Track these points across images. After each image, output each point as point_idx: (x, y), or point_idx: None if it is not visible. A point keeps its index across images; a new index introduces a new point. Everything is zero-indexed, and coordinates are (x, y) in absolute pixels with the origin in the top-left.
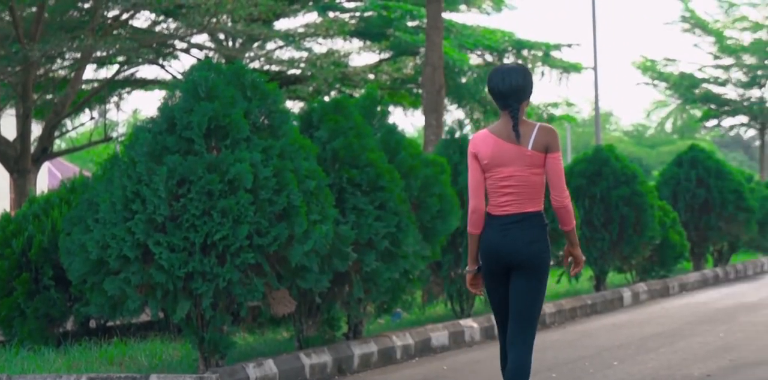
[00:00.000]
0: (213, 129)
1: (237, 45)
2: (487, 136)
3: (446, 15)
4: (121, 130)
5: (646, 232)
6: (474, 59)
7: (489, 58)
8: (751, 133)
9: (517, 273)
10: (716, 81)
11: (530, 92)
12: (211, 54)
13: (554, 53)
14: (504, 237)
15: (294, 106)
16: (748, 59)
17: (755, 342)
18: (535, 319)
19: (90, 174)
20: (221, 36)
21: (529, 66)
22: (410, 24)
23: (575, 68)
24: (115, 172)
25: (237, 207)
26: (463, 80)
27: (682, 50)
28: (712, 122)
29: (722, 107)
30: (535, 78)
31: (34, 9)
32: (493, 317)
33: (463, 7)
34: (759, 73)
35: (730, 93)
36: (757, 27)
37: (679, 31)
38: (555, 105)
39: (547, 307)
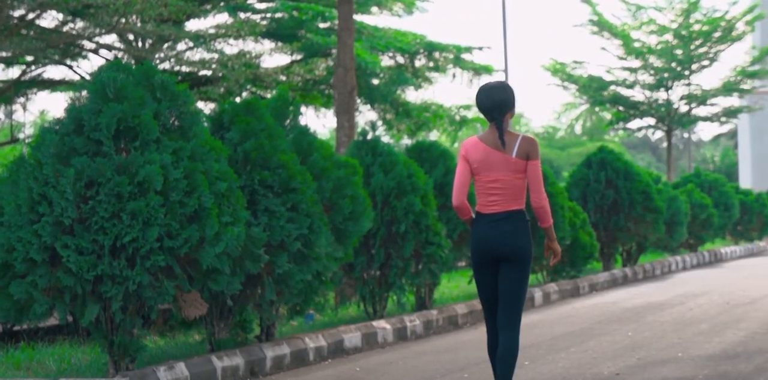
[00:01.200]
0: (122, 130)
1: (146, 46)
2: (477, 143)
3: (358, 17)
4: (28, 131)
5: (557, 233)
6: (386, 61)
7: (401, 59)
8: (659, 134)
9: (505, 264)
10: (624, 83)
11: (512, 105)
12: (120, 55)
13: (465, 56)
14: (493, 231)
15: (205, 108)
16: (655, 62)
17: (662, 340)
18: (521, 304)
19: None
20: (130, 36)
21: (441, 68)
22: (322, 25)
23: (486, 70)
24: (21, 174)
25: (147, 209)
26: (375, 82)
27: (591, 53)
28: (621, 124)
29: (630, 109)
30: (446, 80)
31: None
32: (404, 318)
33: (374, 9)
34: (665, 75)
35: (638, 95)
36: (663, 30)
37: (588, 34)
38: (467, 107)
39: (460, 308)
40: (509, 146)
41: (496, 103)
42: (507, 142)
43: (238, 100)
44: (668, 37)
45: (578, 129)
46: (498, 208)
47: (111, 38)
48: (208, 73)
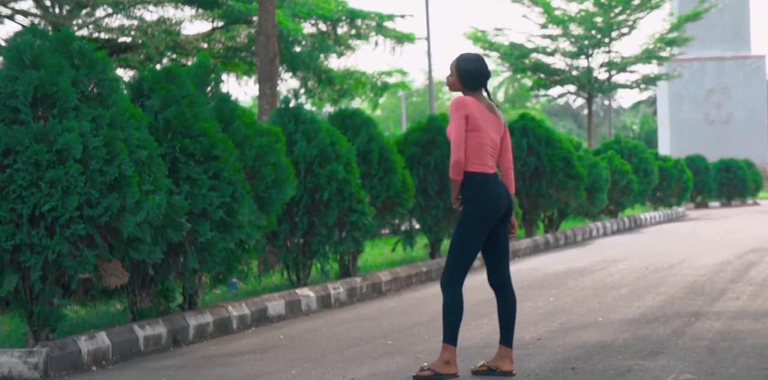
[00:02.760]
0: (39, 97)
1: (64, 12)
2: (475, 102)
3: None
4: None
5: None
6: (308, 28)
7: (323, 27)
8: (580, 102)
9: (503, 220)
10: (545, 51)
11: None
12: (36, 21)
13: (388, 23)
14: (504, 192)
15: (124, 75)
16: (575, 29)
17: (582, 305)
18: None
19: None
20: (47, 2)
21: (363, 35)
22: None
23: (408, 38)
24: None
25: (66, 177)
26: (298, 49)
27: (512, 21)
28: (542, 91)
29: (551, 76)
30: (368, 48)
31: None
32: (328, 286)
33: None
34: (585, 42)
35: (559, 63)
36: None
37: (509, 2)
38: (389, 73)
39: (383, 275)
40: (498, 113)
41: (489, 73)
42: (495, 108)
43: (158, 67)
44: (588, 5)
45: (500, 96)
46: (494, 170)
47: (27, 4)
48: (128, 39)
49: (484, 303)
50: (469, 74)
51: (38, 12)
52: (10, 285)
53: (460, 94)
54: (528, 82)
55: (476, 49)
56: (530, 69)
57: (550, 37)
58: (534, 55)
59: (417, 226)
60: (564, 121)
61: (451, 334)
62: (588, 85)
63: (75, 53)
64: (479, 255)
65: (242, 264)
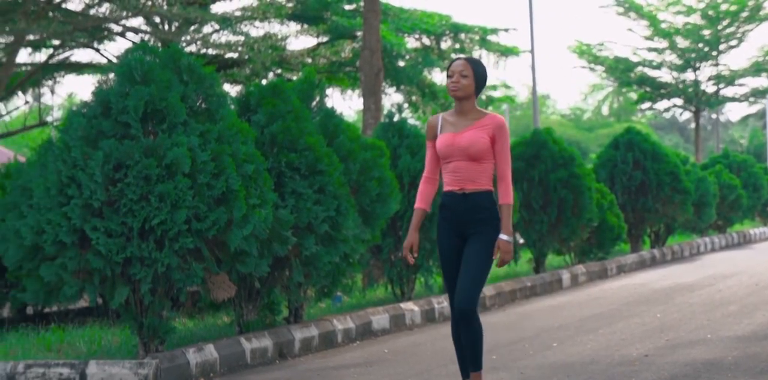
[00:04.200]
0: (149, 113)
1: (173, 28)
2: None
3: None
4: (56, 114)
5: (584, 215)
6: (411, 43)
7: (426, 41)
8: (687, 115)
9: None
10: (651, 64)
11: None
12: (146, 37)
13: (491, 37)
14: None
15: (231, 90)
16: (682, 42)
17: (691, 322)
18: None
19: (24, 159)
20: (157, 19)
21: (467, 49)
22: (347, 7)
23: (512, 52)
24: (50, 157)
25: (175, 191)
26: (401, 63)
27: (618, 34)
28: (648, 105)
29: (657, 90)
30: None
31: None
32: (444, 297)
33: None
34: (692, 56)
35: (665, 76)
36: (690, 10)
37: (614, 15)
38: (493, 87)
39: (487, 290)
40: None
41: None
42: None
43: (264, 82)
44: (695, 17)
45: (605, 110)
46: None
47: (138, 21)
48: (235, 55)
49: (588, 319)
50: (485, 81)
51: (148, 29)
52: (121, 298)
53: (472, 99)
54: (634, 95)
55: (581, 63)
56: (635, 82)
57: (656, 50)
58: (639, 68)
59: (521, 241)
60: (670, 134)
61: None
62: (695, 99)
63: (184, 69)
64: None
65: (347, 278)
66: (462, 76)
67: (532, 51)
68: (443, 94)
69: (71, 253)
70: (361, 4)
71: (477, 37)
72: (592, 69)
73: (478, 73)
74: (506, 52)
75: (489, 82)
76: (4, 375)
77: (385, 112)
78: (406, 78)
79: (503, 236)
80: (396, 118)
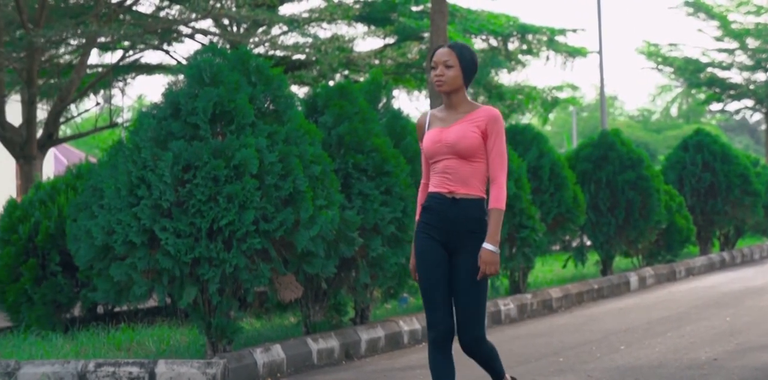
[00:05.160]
0: (218, 114)
1: (241, 30)
2: None
3: (450, 0)
4: (126, 115)
5: (653, 217)
6: (479, 44)
7: (494, 42)
8: (757, 116)
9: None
10: (720, 65)
11: None
12: (215, 39)
13: (559, 38)
14: None
15: (299, 91)
16: (753, 43)
17: (761, 326)
18: None
19: (95, 160)
20: (225, 21)
21: (534, 50)
22: (414, 9)
23: (580, 53)
24: (120, 158)
25: (243, 192)
26: None
27: (687, 34)
28: (718, 106)
29: (727, 91)
30: (539, 62)
31: None
32: (511, 299)
33: None
34: (763, 56)
35: (735, 77)
36: (761, 10)
37: (684, 15)
38: (559, 88)
39: (554, 292)
40: None
41: None
42: None
43: (331, 83)
44: (766, 17)
45: (674, 111)
46: None
47: (206, 23)
48: (302, 57)
49: (656, 322)
50: (476, 69)
51: (217, 31)
52: (190, 298)
53: (461, 91)
54: (703, 97)
55: (649, 64)
56: (705, 84)
57: (726, 50)
58: (709, 69)
59: (588, 243)
60: (740, 136)
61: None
62: (766, 100)
63: (252, 71)
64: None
65: (413, 279)
66: (446, 67)
67: (600, 52)
68: (510, 94)
69: (141, 253)
70: (429, 5)
71: (544, 38)
72: (660, 70)
73: (465, 60)
74: (574, 52)
75: (556, 83)
76: (75, 374)
77: None
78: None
79: (488, 245)
80: None
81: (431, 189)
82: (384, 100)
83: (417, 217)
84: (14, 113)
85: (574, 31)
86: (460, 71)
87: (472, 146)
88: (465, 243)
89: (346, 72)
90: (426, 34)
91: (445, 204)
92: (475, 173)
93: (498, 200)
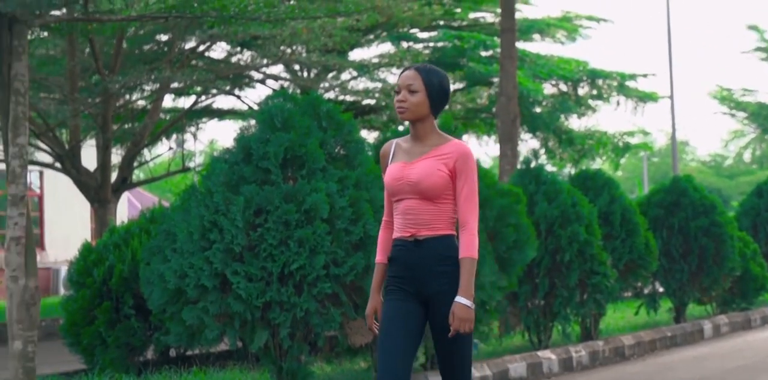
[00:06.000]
0: (289, 159)
1: (312, 75)
2: None
3: (520, 44)
4: (198, 160)
5: (726, 264)
6: (548, 89)
7: (563, 87)
8: None
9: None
10: None
11: None
12: (286, 84)
13: (629, 83)
14: None
15: (369, 136)
16: None
17: None
18: None
19: (168, 204)
20: (296, 66)
21: (604, 95)
22: (484, 54)
23: (651, 98)
24: (193, 202)
25: (314, 237)
26: (538, 110)
27: (760, 79)
28: None
29: None
30: (610, 107)
31: (113, 42)
32: (583, 346)
33: (537, 36)
34: None
35: None
36: None
37: (757, 60)
38: (631, 133)
39: (626, 339)
40: None
41: None
42: None
43: (401, 128)
44: None
45: (747, 157)
46: None
47: (277, 68)
48: (372, 101)
49: (732, 371)
50: (446, 96)
51: (288, 76)
52: (261, 342)
53: (428, 121)
54: None
55: (722, 109)
56: None
57: None
58: None
59: (661, 289)
60: None
61: None
62: None
63: (323, 116)
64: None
65: (483, 325)
66: (410, 92)
67: (671, 96)
68: (580, 139)
69: (212, 297)
70: (498, 50)
71: (615, 83)
72: (733, 115)
73: (432, 85)
74: (645, 97)
75: (626, 128)
76: None
77: (521, 158)
78: (543, 124)
79: (461, 299)
80: (532, 165)
81: (395, 234)
82: None
83: (377, 258)
84: (89, 158)
85: (645, 75)
86: (425, 97)
87: (437, 186)
88: (441, 290)
89: None
90: (495, 79)
91: (409, 249)
92: (440, 215)
93: (469, 248)
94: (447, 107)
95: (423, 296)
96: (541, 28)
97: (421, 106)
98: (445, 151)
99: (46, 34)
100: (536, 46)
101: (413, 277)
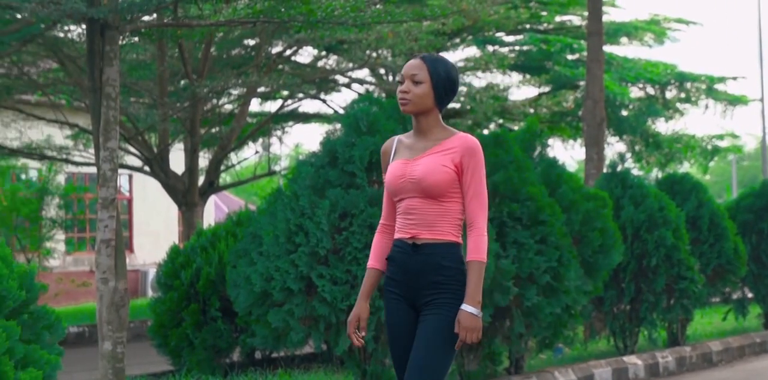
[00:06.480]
0: (374, 162)
1: (397, 79)
2: None
3: (607, 48)
4: (284, 163)
5: None
6: (635, 92)
7: (651, 91)
8: None
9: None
10: None
11: None
12: (371, 88)
13: (718, 86)
14: None
15: None
16: None
17: None
18: None
19: (254, 207)
20: (381, 71)
21: (693, 99)
22: (570, 57)
23: (740, 101)
24: (279, 206)
25: None
26: (624, 113)
27: None
28: None
29: None
30: (698, 111)
31: (202, 46)
32: (669, 351)
33: (624, 39)
34: None
35: None
36: None
37: None
38: (720, 137)
39: (714, 345)
40: None
41: None
42: None
43: (486, 132)
44: None
45: None
46: None
47: (363, 73)
48: (457, 105)
49: None
50: (453, 87)
51: (373, 80)
52: (346, 345)
53: (433, 114)
54: None
55: None
56: None
57: None
58: None
59: (750, 295)
60: None
61: None
62: None
63: (408, 119)
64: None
65: (568, 330)
66: (414, 83)
67: (761, 99)
68: (667, 143)
69: (298, 300)
70: (584, 54)
71: (703, 86)
72: None
73: (438, 76)
74: (734, 101)
75: (715, 132)
76: None
77: (607, 162)
78: (630, 128)
79: (467, 307)
80: (619, 169)
81: (396, 234)
82: (539, 149)
83: (369, 263)
84: (177, 161)
85: (735, 78)
86: (430, 89)
87: (441, 183)
88: (433, 300)
89: (501, 120)
90: (582, 83)
91: (406, 252)
92: (444, 215)
93: (477, 250)
94: (532, 110)
95: (416, 303)
96: (629, 31)
97: (425, 98)
98: (451, 145)
99: (136, 39)
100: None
101: (407, 284)
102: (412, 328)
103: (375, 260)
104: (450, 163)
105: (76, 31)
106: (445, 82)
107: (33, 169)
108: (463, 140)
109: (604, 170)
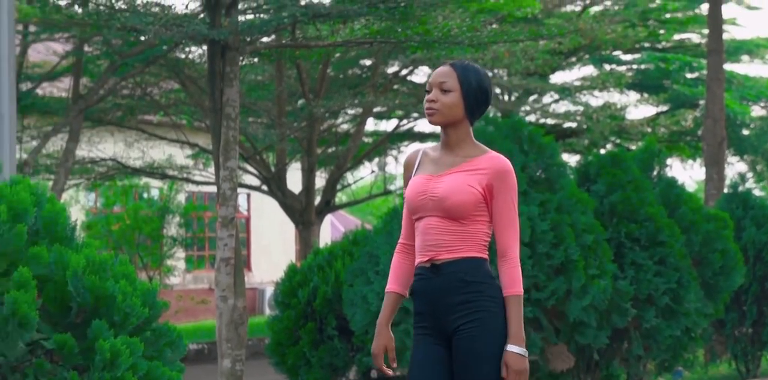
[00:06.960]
0: None
1: (513, 98)
2: None
3: (727, 66)
4: (399, 183)
5: None
6: (756, 111)
7: None
8: None
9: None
10: None
11: None
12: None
13: None
14: None
15: (570, 160)
16: None
17: None
18: None
19: (370, 226)
20: (498, 90)
21: None
22: (689, 76)
23: None
24: (395, 225)
25: None
26: (745, 132)
27: None
28: None
29: None
30: None
31: (319, 67)
32: None
33: (745, 57)
34: None
35: None
36: None
37: None
38: None
39: None
40: None
41: None
42: None
43: (603, 151)
44: None
45: None
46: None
47: None
48: (573, 124)
49: None
50: (486, 97)
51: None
52: None
53: (463, 127)
54: None
55: None
56: None
57: None
58: None
59: None
60: None
61: None
62: None
63: (524, 139)
64: None
65: (688, 352)
66: (443, 92)
67: None
68: None
69: (413, 320)
70: (704, 72)
71: None
72: None
73: (469, 84)
74: None
75: None
76: None
77: (728, 182)
78: (751, 147)
79: (512, 347)
80: (740, 189)
81: (416, 260)
82: (657, 169)
83: (387, 286)
84: (294, 181)
85: None
86: (460, 98)
87: (465, 205)
88: (459, 325)
89: (618, 140)
90: (701, 102)
91: (426, 278)
92: (466, 237)
93: (513, 283)
94: (650, 130)
95: (445, 335)
96: (750, 49)
97: (454, 108)
98: (480, 166)
99: (255, 60)
100: (744, 67)
101: (433, 314)
102: (437, 367)
103: (394, 283)
104: (477, 184)
105: (197, 52)
106: (476, 91)
107: (155, 187)
108: (494, 161)
109: (725, 190)
